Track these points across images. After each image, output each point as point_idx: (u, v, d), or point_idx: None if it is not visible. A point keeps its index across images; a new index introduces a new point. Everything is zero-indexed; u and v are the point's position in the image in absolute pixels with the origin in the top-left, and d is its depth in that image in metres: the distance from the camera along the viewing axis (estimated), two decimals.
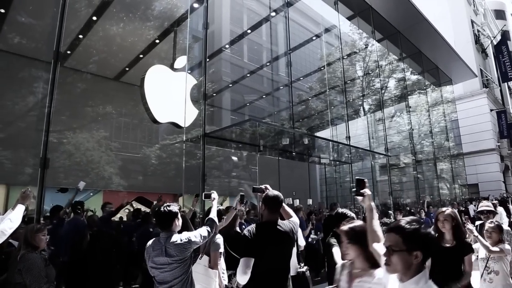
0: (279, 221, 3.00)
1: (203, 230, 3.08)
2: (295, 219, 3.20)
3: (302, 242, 5.27)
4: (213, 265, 3.58)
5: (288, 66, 10.82)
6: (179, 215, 3.02)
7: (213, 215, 3.34)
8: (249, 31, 15.11)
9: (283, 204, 3.23)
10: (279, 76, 14.89)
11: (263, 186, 3.28)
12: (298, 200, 9.03)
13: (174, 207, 2.99)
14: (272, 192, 3.10)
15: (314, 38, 14.76)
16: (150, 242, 2.98)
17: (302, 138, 10.31)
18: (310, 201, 11.12)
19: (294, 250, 5.02)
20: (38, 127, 6.83)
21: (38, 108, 9.74)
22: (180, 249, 2.84)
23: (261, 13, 13.83)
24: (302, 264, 5.04)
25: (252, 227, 2.96)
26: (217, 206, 4.03)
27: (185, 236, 2.92)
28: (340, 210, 3.92)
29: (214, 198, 3.57)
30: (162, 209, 2.97)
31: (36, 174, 5.15)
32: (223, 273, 3.76)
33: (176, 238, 2.89)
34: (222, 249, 3.74)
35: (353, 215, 3.60)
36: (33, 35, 9.95)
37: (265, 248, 2.83)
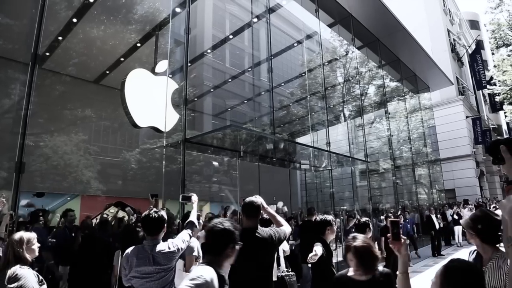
0: (259, 228, 2.99)
1: (185, 235, 3.02)
2: (285, 228, 3.15)
3: (286, 247, 5.28)
4: (187, 268, 3.55)
5: (269, 72, 10.90)
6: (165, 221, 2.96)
7: (194, 217, 3.28)
8: (231, 36, 15.16)
9: (273, 212, 3.23)
10: (260, 82, 14.97)
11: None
12: (282, 203, 9.05)
13: (163, 213, 2.90)
14: (248, 198, 3.08)
15: (295, 44, 14.92)
16: (130, 250, 2.82)
17: (283, 144, 10.38)
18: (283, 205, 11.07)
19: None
20: (14, 130, 6.69)
21: (14, 110, 9.51)
22: (169, 257, 2.77)
23: (243, 18, 13.91)
24: (285, 269, 5.06)
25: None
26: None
27: (171, 243, 2.84)
28: (321, 216, 3.98)
29: (194, 201, 3.49)
30: (151, 214, 2.84)
31: (11, 178, 5.04)
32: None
33: (164, 246, 2.80)
34: (196, 253, 3.72)
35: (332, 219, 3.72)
36: (10, 36, 9.74)
37: (242, 254, 2.83)
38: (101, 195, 11.81)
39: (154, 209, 2.92)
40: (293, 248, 8.13)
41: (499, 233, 2.13)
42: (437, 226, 13.59)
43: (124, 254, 2.81)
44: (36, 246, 2.86)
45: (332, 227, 3.80)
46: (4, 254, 2.80)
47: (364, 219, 4.70)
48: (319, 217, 4.05)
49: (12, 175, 5.01)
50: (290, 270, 5.18)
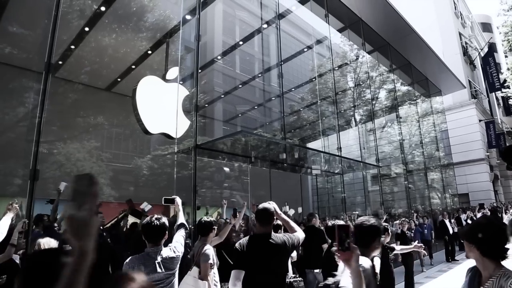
0: (273, 234, 2.98)
1: (181, 238, 3.05)
2: (298, 234, 3.15)
3: (293, 253, 5.27)
4: (203, 276, 3.55)
5: (279, 77, 10.91)
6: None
7: (182, 219, 3.28)
8: (241, 42, 15.22)
9: (286, 218, 3.22)
10: (271, 87, 14.99)
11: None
12: (289, 208, 9.00)
13: (165, 220, 2.90)
14: (262, 205, 3.08)
15: (305, 49, 14.92)
16: (133, 259, 2.79)
17: (294, 150, 10.35)
18: (296, 210, 10.89)
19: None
20: (28, 138, 6.79)
21: (28, 118, 9.67)
22: (174, 261, 2.83)
23: (253, 24, 13.97)
24: (293, 275, 5.03)
25: (245, 239, 2.96)
26: (208, 218, 4.02)
27: (174, 248, 2.89)
28: (333, 222, 4.00)
29: (177, 203, 3.43)
30: (153, 222, 2.83)
31: (26, 185, 5.10)
32: (215, 285, 3.73)
33: (169, 251, 2.84)
34: (211, 260, 3.72)
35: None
36: (24, 46, 9.93)
37: (256, 261, 2.82)
38: (113, 201, 11.90)
39: (156, 216, 2.90)
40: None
41: (506, 246, 1.81)
42: (451, 231, 13.38)
43: (125, 263, 2.78)
44: None
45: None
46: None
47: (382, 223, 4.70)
48: (332, 222, 4.07)
49: (27, 182, 5.08)
50: (298, 276, 5.15)
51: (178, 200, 3.44)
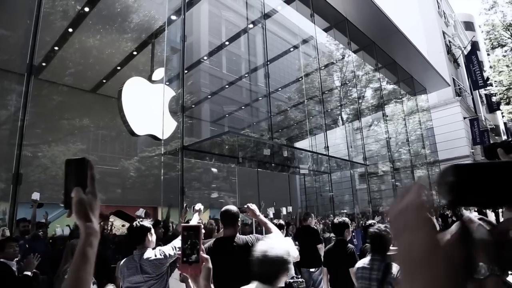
0: (237, 236, 2.92)
1: (178, 242, 2.99)
2: (271, 235, 3.00)
3: (295, 253, 5.21)
4: (183, 277, 3.50)
5: (266, 77, 10.92)
6: (152, 230, 2.96)
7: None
8: (227, 42, 15.19)
9: (264, 219, 3.18)
10: (258, 87, 14.99)
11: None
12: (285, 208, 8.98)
13: (146, 222, 2.95)
14: (225, 207, 3.02)
15: (291, 49, 14.95)
16: (123, 261, 2.90)
17: (281, 149, 10.36)
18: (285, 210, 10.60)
19: None
20: (11, 141, 6.67)
21: (11, 121, 9.50)
22: (155, 264, 2.77)
23: (239, 24, 13.94)
24: (294, 276, 4.98)
25: (210, 242, 2.92)
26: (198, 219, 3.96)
27: (159, 251, 2.86)
28: (339, 219, 4.21)
29: (196, 210, 3.34)
30: (134, 224, 2.92)
31: (9, 189, 5.01)
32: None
33: (151, 254, 2.82)
34: None
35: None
36: (5, 47, 9.74)
37: (218, 264, 2.76)
38: (101, 204, 11.73)
39: (141, 219, 2.98)
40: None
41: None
42: (438, 228, 13.55)
43: (117, 265, 2.92)
44: None
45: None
46: (65, 255, 3.53)
47: (370, 221, 4.80)
48: (339, 219, 4.31)
49: (10, 186, 5.00)
50: (300, 277, 5.09)
51: (197, 207, 3.34)
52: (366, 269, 2.87)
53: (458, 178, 0.50)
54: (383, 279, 2.68)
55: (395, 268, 2.66)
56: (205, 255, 1.16)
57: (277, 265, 1.81)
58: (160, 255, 2.82)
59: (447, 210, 15.98)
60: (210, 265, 1.17)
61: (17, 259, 4.02)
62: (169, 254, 2.87)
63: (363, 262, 2.96)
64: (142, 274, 2.74)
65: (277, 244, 1.92)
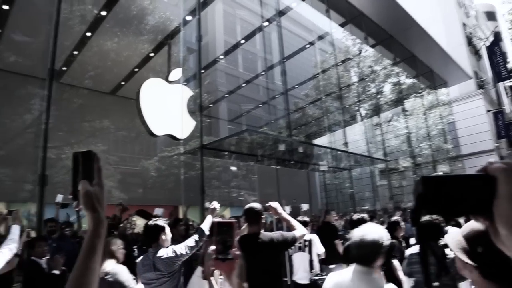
0: (261, 233, 2.96)
1: (191, 241, 3.03)
2: (296, 232, 3.06)
3: (320, 250, 5.21)
4: (206, 275, 3.52)
5: (283, 74, 10.88)
6: (166, 229, 3.00)
7: (204, 225, 3.22)
8: (242, 41, 15.20)
9: (287, 217, 3.18)
10: (274, 85, 14.97)
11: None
12: (307, 205, 8.93)
13: (161, 221, 3.01)
14: (248, 204, 3.06)
15: (307, 45, 14.85)
16: (140, 258, 3.02)
17: (300, 146, 10.32)
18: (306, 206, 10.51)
19: (305, 258, 5.03)
20: (36, 144, 6.85)
21: (35, 125, 9.76)
22: (167, 263, 2.83)
23: (254, 23, 13.95)
24: (319, 273, 4.96)
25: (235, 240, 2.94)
26: (220, 217, 4.00)
27: (171, 249, 2.90)
28: (359, 216, 4.20)
29: (210, 209, 3.32)
30: (149, 223, 3.01)
31: (36, 191, 5.15)
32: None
33: (163, 252, 2.88)
34: None
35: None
36: (28, 53, 10.02)
37: (245, 261, 2.77)
38: (124, 203, 11.95)
39: (159, 218, 3.05)
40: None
41: None
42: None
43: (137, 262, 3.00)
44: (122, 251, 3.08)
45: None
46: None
47: (394, 218, 4.73)
48: (357, 216, 4.30)
49: (36, 188, 5.13)
50: (325, 274, 5.05)
51: (212, 205, 3.32)
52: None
53: (424, 188, 0.55)
54: (440, 263, 2.72)
55: (450, 252, 2.69)
56: (238, 252, 1.16)
57: (374, 247, 1.95)
58: (172, 253, 2.87)
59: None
60: (243, 263, 1.16)
61: (47, 257, 4.16)
62: (181, 253, 2.90)
63: (416, 248, 3.13)
64: (155, 271, 2.81)
65: (373, 229, 2.07)
